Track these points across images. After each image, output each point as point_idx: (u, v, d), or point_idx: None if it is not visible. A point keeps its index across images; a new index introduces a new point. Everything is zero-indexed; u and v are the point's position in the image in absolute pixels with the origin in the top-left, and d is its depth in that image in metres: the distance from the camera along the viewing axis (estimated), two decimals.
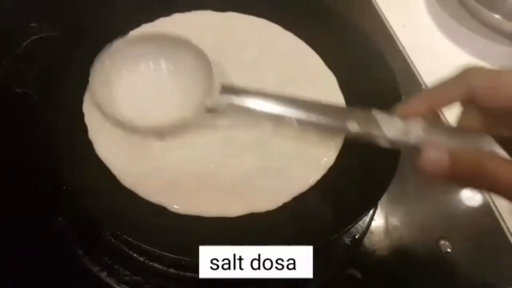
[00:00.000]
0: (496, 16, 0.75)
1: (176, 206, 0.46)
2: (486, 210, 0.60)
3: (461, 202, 0.60)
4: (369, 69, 0.56)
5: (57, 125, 0.49)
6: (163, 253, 0.42)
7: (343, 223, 0.45)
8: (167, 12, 0.59)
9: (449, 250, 0.56)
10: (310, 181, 0.49)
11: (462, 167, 0.36)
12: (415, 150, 0.40)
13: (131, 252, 0.51)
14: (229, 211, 0.46)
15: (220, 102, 0.48)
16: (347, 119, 0.44)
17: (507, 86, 0.37)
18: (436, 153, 0.37)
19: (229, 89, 0.48)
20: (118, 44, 0.51)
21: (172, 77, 0.53)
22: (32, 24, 0.57)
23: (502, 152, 0.39)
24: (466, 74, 0.39)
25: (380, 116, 0.43)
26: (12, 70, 0.51)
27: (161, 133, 0.50)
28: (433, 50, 0.77)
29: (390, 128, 0.42)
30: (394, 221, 0.57)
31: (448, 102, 0.41)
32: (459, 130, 0.42)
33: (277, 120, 0.47)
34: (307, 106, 0.46)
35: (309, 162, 0.50)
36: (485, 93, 0.38)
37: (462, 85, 0.39)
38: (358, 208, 0.46)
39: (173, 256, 0.42)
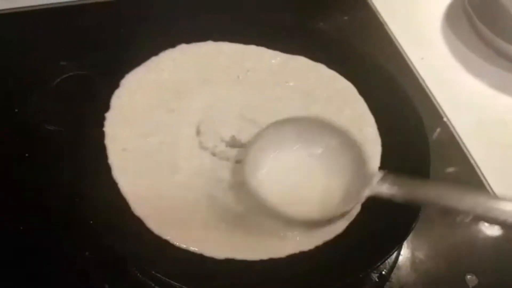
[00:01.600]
0: None
1: (206, 252, 0.46)
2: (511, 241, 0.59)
3: (487, 236, 0.60)
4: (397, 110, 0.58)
5: (84, 162, 0.50)
6: None
7: (370, 261, 0.46)
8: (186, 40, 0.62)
9: (476, 284, 0.55)
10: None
11: None
12: None
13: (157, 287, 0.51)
14: (261, 254, 0.46)
15: (380, 192, 0.45)
16: None
17: None
18: None
19: (393, 179, 0.46)
20: (267, 129, 0.51)
21: (317, 161, 0.51)
22: (62, 63, 0.59)
23: None
24: None
25: None
26: (42, 107, 0.53)
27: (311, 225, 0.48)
28: (452, 82, 0.77)
29: None
30: (421, 255, 0.56)
31: None
32: None
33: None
34: (482, 200, 0.43)
35: None
36: None
37: None
38: (385, 247, 0.46)
39: None
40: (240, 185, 0.50)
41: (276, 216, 0.47)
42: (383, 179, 0.46)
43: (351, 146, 0.50)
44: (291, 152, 0.52)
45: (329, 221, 0.48)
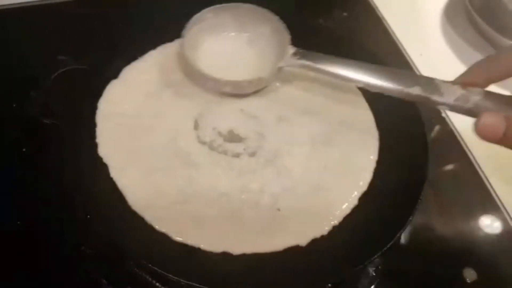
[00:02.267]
0: None
1: (203, 245, 0.46)
2: (510, 237, 0.59)
3: (485, 230, 0.60)
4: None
5: (81, 156, 0.50)
6: (188, 282, 0.42)
7: (367, 254, 0.45)
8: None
9: (474, 279, 0.55)
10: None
11: None
12: (473, 116, 0.42)
13: (154, 282, 0.51)
14: (257, 248, 0.47)
15: (292, 63, 0.55)
16: (411, 84, 0.47)
17: None
18: (492, 118, 0.39)
19: (301, 53, 0.55)
20: (206, 13, 0.59)
21: (250, 44, 0.61)
22: (60, 57, 0.59)
23: None
24: None
25: (441, 83, 0.46)
26: (40, 102, 0.53)
27: (238, 90, 0.56)
28: (451, 77, 0.76)
29: (450, 94, 0.44)
30: (418, 250, 0.56)
31: (505, 73, 0.42)
32: None
33: (344, 81, 0.52)
34: (372, 70, 0.50)
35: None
36: None
37: None
38: (381, 240, 0.46)
39: (198, 285, 0.42)
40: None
41: (205, 80, 0.56)
42: (294, 54, 0.55)
43: (278, 31, 0.58)
44: (227, 37, 0.62)
45: (250, 84, 0.56)
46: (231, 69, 0.57)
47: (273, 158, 0.53)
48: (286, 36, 0.57)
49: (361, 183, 0.52)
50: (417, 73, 0.76)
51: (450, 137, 0.68)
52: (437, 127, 0.69)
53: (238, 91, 0.57)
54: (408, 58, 0.78)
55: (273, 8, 0.60)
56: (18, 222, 0.53)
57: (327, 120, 0.57)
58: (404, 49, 0.80)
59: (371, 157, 0.55)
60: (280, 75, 0.57)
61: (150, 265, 0.43)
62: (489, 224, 0.60)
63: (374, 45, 0.75)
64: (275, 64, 0.56)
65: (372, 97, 0.58)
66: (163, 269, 0.43)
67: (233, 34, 0.61)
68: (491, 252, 0.58)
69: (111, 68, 0.56)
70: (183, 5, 0.61)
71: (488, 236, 0.59)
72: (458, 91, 0.44)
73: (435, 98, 0.45)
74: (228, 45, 0.61)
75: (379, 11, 0.86)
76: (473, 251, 0.58)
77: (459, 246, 0.59)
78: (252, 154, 0.53)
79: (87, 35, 0.68)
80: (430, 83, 0.46)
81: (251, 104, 0.57)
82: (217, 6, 0.59)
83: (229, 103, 0.57)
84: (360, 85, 0.51)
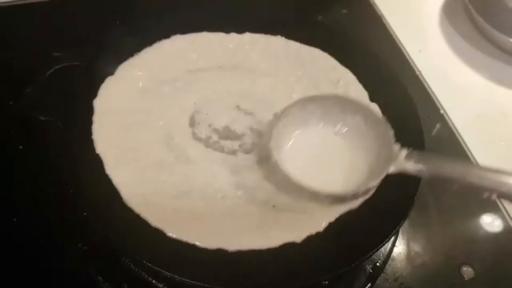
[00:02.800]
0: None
1: (198, 242, 0.46)
2: (508, 235, 0.59)
3: (483, 228, 0.59)
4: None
5: (77, 153, 0.50)
6: (183, 279, 0.42)
7: (363, 251, 0.45)
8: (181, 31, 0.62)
9: (472, 276, 0.55)
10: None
11: None
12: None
13: (150, 278, 0.51)
14: (252, 244, 0.46)
15: (406, 169, 0.46)
16: None
17: None
18: None
19: (419, 157, 0.46)
20: (290, 108, 0.51)
21: (340, 138, 0.53)
22: (55, 54, 0.59)
23: None
24: None
25: None
26: (36, 98, 0.53)
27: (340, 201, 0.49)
28: (449, 74, 0.77)
29: None
30: (416, 247, 0.56)
31: None
32: None
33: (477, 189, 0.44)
34: (503, 177, 0.43)
35: None
36: None
37: None
38: (378, 235, 0.46)
39: (192, 282, 0.42)
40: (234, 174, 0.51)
41: (301, 190, 0.47)
42: (408, 156, 0.47)
43: (375, 124, 0.50)
44: (316, 130, 0.53)
45: (353, 196, 0.48)
46: (323, 171, 0.50)
47: (269, 155, 0.53)
48: (388, 131, 0.49)
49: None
50: (416, 70, 0.76)
51: (450, 134, 0.68)
52: (437, 125, 0.69)
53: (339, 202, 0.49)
54: (407, 55, 0.78)
55: (272, 5, 0.59)
56: (14, 219, 0.53)
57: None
58: (403, 46, 0.80)
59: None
60: None
61: (145, 261, 0.43)
62: (488, 223, 0.60)
63: (374, 42, 0.75)
64: (380, 166, 0.48)
65: (374, 97, 0.58)
66: (158, 265, 0.43)
67: (321, 125, 0.53)
68: (488, 250, 0.58)
69: (107, 65, 0.56)
70: (180, 2, 0.61)
71: (486, 234, 0.59)
72: None
73: None
74: (317, 141, 0.53)
75: (378, 8, 0.86)
76: (471, 249, 0.58)
77: (457, 244, 0.58)
78: (248, 151, 0.53)
79: (83, 32, 0.68)
80: None
81: (248, 100, 0.57)
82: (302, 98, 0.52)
83: (225, 99, 0.57)
84: (493, 195, 0.44)
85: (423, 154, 0.47)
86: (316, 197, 0.48)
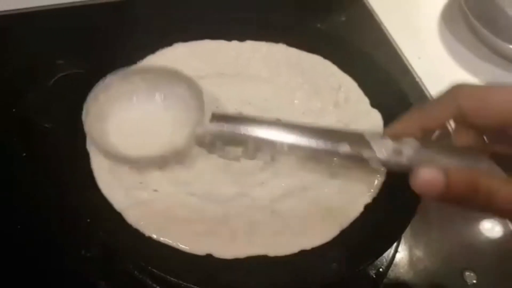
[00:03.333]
0: (510, 46, 0.76)
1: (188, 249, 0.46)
2: (510, 239, 0.59)
3: (485, 233, 0.60)
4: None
5: (80, 160, 0.50)
6: (188, 285, 0.42)
7: (367, 256, 0.46)
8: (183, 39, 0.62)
9: (474, 281, 0.55)
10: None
11: (456, 186, 0.34)
12: (409, 171, 0.38)
13: (155, 285, 0.51)
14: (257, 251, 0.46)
15: (209, 129, 0.48)
16: (339, 141, 0.44)
17: (494, 103, 0.37)
18: (430, 173, 0.35)
19: (220, 117, 0.49)
20: (111, 79, 0.52)
21: (165, 109, 0.54)
22: (59, 61, 0.59)
23: (497, 170, 0.38)
24: (454, 92, 0.39)
25: (371, 137, 0.43)
26: (39, 105, 0.53)
27: (154, 164, 0.50)
28: (449, 81, 0.77)
29: (382, 149, 0.42)
30: (418, 253, 0.56)
31: (438, 122, 0.41)
32: (453, 149, 0.41)
33: (269, 146, 0.47)
34: (299, 130, 0.46)
35: None
36: (473, 111, 0.37)
37: (450, 104, 0.39)
38: (381, 242, 0.47)
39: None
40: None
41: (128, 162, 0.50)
42: (212, 119, 0.49)
43: (195, 94, 0.53)
44: (139, 102, 0.54)
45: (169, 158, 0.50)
46: (146, 140, 0.52)
47: (272, 162, 0.53)
48: (201, 98, 0.52)
49: (367, 193, 0.51)
50: (416, 77, 0.76)
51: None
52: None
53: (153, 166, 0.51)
54: (406, 62, 0.79)
55: (272, 13, 0.60)
56: (18, 226, 0.53)
57: (329, 122, 0.57)
58: (402, 53, 0.80)
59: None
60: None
61: (149, 267, 0.43)
62: (489, 227, 0.60)
63: (373, 49, 0.75)
64: (192, 130, 0.50)
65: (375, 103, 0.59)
66: (162, 270, 0.43)
67: (144, 99, 0.55)
68: (490, 255, 0.59)
69: (109, 72, 0.56)
70: (182, 10, 0.61)
71: (487, 239, 0.59)
72: (390, 145, 0.41)
73: (366, 154, 0.42)
74: (139, 112, 0.54)
75: (377, 15, 0.86)
76: (472, 254, 0.58)
77: (458, 249, 0.59)
78: (251, 158, 0.53)
79: (87, 40, 0.68)
80: (359, 138, 0.43)
81: (249, 107, 0.57)
82: (122, 70, 0.54)
83: (227, 106, 0.57)
84: (285, 148, 0.46)
85: (223, 115, 0.50)
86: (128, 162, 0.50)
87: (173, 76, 0.53)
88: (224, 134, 0.48)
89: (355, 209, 0.50)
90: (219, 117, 0.49)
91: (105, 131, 0.52)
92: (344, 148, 0.44)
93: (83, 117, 0.49)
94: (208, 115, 0.49)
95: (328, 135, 0.45)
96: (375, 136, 0.43)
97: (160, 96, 0.55)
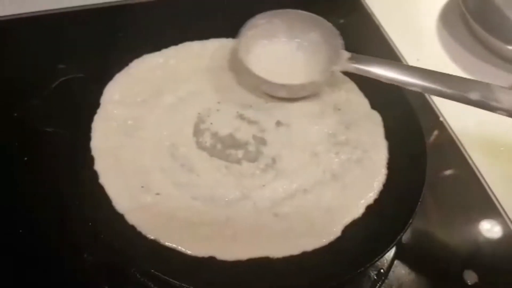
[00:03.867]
0: (510, 47, 0.76)
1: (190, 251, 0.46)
2: (510, 239, 0.59)
3: (484, 233, 0.60)
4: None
5: (82, 163, 0.50)
6: (191, 286, 0.42)
7: (367, 257, 0.46)
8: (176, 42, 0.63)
9: (475, 281, 0.55)
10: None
11: None
12: None
13: None
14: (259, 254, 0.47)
15: (348, 67, 0.56)
16: (469, 89, 0.50)
17: None
18: None
19: (356, 58, 0.57)
20: (258, 19, 0.61)
21: (301, 49, 0.63)
22: (60, 66, 0.60)
23: None
24: None
25: (498, 89, 0.49)
26: (41, 110, 0.53)
27: (292, 94, 0.58)
28: None
29: (506, 100, 0.48)
30: (419, 253, 0.57)
31: None
32: None
33: (402, 85, 0.53)
34: (430, 75, 0.52)
35: None
36: None
37: None
38: (382, 242, 0.47)
39: None
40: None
41: (263, 84, 0.57)
42: (349, 59, 0.57)
43: (329, 35, 0.61)
44: (280, 42, 0.63)
45: (309, 87, 0.59)
46: (284, 74, 0.58)
47: (273, 164, 0.54)
48: (339, 42, 0.59)
49: (369, 194, 0.52)
50: None
51: (449, 141, 0.68)
52: (435, 132, 0.70)
53: (292, 95, 0.58)
54: (405, 63, 0.79)
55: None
56: (20, 231, 0.53)
57: (329, 124, 0.58)
58: (402, 55, 0.80)
59: (381, 169, 0.55)
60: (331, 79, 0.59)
61: (152, 270, 0.43)
62: (490, 228, 0.60)
63: (372, 51, 0.75)
64: (328, 68, 0.58)
65: (374, 105, 0.59)
66: (165, 273, 0.43)
67: (284, 39, 0.63)
68: (491, 254, 0.59)
69: (110, 76, 0.56)
70: (172, 15, 0.62)
71: (487, 239, 0.59)
72: None
73: (493, 103, 0.48)
74: (280, 50, 0.62)
75: (376, 17, 0.87)
76: (473, 254, 0.58)
77: (459, 249, 0.59)
78: (253, 160, 0.54)
79: (88, 44, 0.68)
80: (487, 88, 0.49)
81: (250, 109, 0.58)
82: (269, 12, 0.61)
83: (229, 109, 0.58)
84: (418, 90, 0.52)
85: (361, 56, 0.57)
86: (272, 89, 0.58)
87: (311, 20, 0.61)
88: (360, 71, 0.56)
89: (356, 211, 0.51)
90: (355, 58, 0.56)
91: (249, 62, 0.59)
92: (475, 96, 0.49)
93: (237, 38, 0.58)
94: (344, 55, 0.57)
95: (459, 82, 0.51)
96: (501, 88, 0.49)
97: (297, 38, 0.63)
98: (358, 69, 0.56)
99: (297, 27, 0.62)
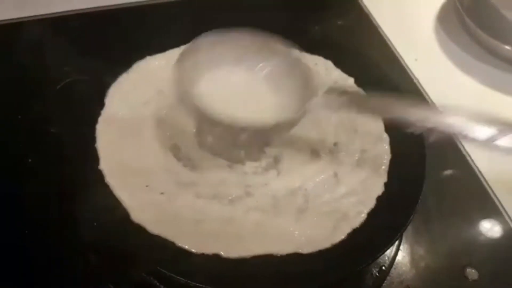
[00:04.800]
0: (507, 47, 0.77)
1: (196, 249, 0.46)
2: (510, 237, 0.60)
3: (485, 230, 0.60)
4: None
5: (86, 164, 0.51)
6: (195, 283, 0.43)
7: (369, 254, 0.47)
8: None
9: (476, 278, 0.55)
10: None
11: None
12: None
13: (162, 286, 0.51)
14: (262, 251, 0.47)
15: (329, 102, 0.49)
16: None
17: None
18: None
19: (333, 90, 0.50)
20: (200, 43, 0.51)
21: (263, 79, 0.53)
22: (65, 68, 0.60)
23: None
24: None
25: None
26: (47, 111, 0.54)
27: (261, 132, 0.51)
28: (446, 82, 0.79)
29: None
30: (420, 250, 0.57)
31: None
32: None
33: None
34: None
35: None
36: None
37: None
38: (383, 239, 0.47)
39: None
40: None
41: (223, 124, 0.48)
42: (328, 91, 0.49)
43: (297, 64, 0.52)
44: (232, 71, 0.53)
45: (278, 127, 0.50)
46: (245, 107, 0.51)
47: (276, 163, 0.54)
48: (307, 69, 0.52)
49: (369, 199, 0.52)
50: (414, 78, 0.77)
51: (449, 141, 0.69)
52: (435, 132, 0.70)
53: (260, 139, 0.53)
54: (403, 64, 0.80)
55: (269, 16, 0.60)
56: (26, 231, 0.53)
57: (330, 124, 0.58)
58: (400, 55, 0.81)
59: (383, 167, 0.55)
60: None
61: (157, 267, 0.44)
62: (489, 225, 0.61)
63: (371, 51, 0.76)
64: (302, 102, 0.50)
65: None
66: (169, 271, 0.43)
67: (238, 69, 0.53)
68: (491, 252, 0.59)
69: (114, 77, 0.57)
70: (175, 17, 0.62)
71: (488, 237, 0.60)
72: None
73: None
74: (234, 80, 0.53)
75: (374, 18, 0.87)
76: (474, 251, 0.59)
77: (460, 247, 0.59)
78: (255, 159, 0.54)
79: (93, 47, 0.69)
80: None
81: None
82: (214, 33, 0.51)
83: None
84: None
85: (342, 91, 0.50)
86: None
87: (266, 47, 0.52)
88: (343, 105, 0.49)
89: (358, 211, 0.51)
90: (334, 91, 0.50)
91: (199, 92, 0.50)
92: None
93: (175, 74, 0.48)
94: (320, 88, 0.49)
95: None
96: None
97: (257, 66, 0.53)
98: (343, 104, 0.49)
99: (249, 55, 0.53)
